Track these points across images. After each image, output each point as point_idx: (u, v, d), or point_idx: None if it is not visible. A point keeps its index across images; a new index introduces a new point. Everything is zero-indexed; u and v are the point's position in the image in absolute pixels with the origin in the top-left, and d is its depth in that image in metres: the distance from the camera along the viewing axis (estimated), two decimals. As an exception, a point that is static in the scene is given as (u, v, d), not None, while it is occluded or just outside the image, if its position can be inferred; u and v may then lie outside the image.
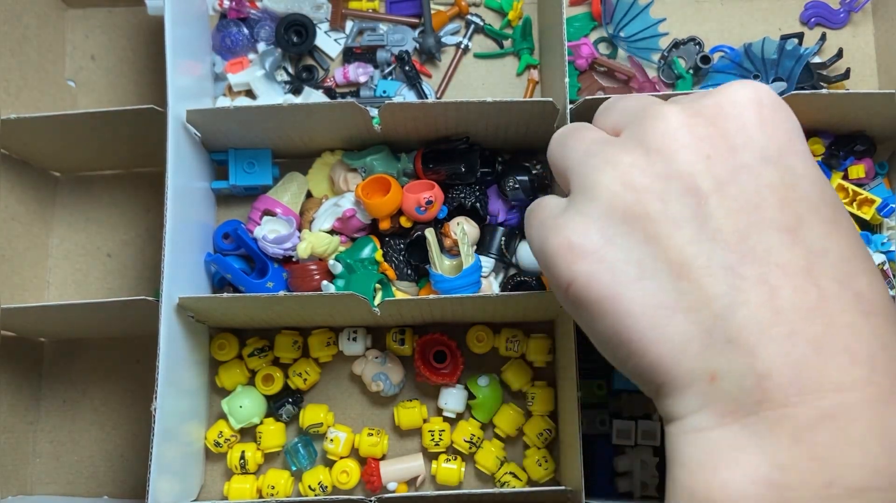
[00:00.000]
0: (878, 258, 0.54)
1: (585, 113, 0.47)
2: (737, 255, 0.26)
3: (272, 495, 0.53)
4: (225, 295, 0.49)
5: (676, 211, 0.28)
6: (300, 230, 0.56)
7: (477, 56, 0.62)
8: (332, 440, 0.54)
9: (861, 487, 0.23)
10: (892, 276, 0.54)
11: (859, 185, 0.56)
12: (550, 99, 0.50)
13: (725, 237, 0.27)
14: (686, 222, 0.28)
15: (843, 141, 0.55)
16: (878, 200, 0.54)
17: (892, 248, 0.54)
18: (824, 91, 0.50)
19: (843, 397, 0.24)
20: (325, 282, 0.53)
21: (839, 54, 0.59)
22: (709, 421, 0.26)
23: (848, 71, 0.59)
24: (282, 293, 0.49)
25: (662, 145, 0.29)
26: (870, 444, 0.24)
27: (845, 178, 0.56)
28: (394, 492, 0.54)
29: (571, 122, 0.43)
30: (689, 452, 0.26)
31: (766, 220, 0.27)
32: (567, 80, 0.49)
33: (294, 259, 0.55)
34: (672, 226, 0.28)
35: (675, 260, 0.27)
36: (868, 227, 0.56)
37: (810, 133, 0.55)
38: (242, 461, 0.54)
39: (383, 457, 0.56)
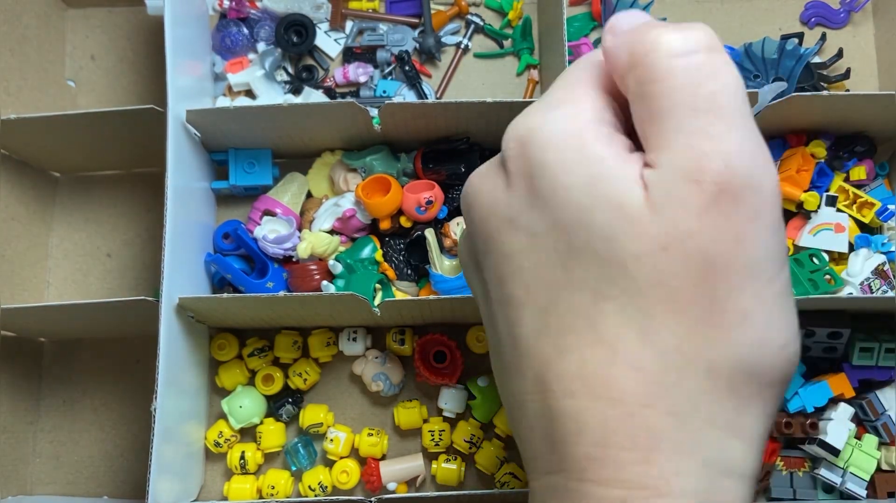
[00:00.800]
0: (878, 259, 0.54)
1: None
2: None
3: (272, 495, 0.53)
4: (225, 295, 0.49)
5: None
6: (300, 230, 0.56)
7: (477, 56, 0.62)
8: (332, 440, 0.54)
9: None
10: (892, 277, 0.54)
11: (859, 187, 0.56)
12: (550, 99, 0.50)
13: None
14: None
15: (843, 142, 0.55)
16: (878, 204, 0.54)
17: (893, 249, 0.54)
18: (825, 93, 0.50)
19: None
20: (325, 283, 0.53)
21: (839, 54, 0.59)
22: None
23: (848, 71, 0.59)
24: (282, 293, 0.49)
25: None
26: None
27: (846, 180, 0.56)
28: (394, 492, 0.54)
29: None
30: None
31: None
32: (567, 80, 0.49)
33: (294, 259, 0.55)
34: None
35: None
36: (868, 229, 0.56)
37: (811, 134, 0.55)
38: (242, 461, 0.54)
39: (383, 457, 0.56)
